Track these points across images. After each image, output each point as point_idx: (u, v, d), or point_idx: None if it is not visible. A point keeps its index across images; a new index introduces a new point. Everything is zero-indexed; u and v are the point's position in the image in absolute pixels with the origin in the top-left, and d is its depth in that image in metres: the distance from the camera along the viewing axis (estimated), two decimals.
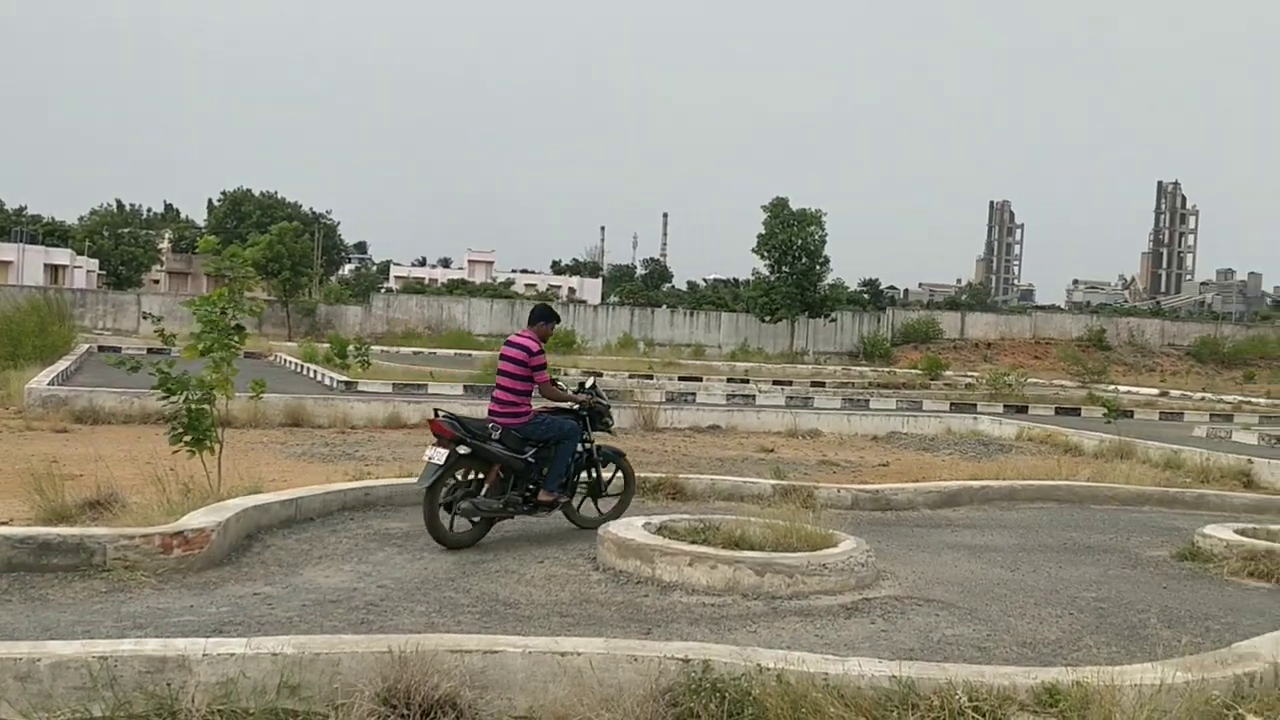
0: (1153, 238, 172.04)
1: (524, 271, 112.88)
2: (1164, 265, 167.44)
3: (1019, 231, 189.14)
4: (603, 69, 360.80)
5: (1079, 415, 26.46)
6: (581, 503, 9.57)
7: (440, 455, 8.33)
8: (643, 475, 11.30)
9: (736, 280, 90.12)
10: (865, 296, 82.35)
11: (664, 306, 69.79)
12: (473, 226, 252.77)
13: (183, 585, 6.82)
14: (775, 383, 33.66)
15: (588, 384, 9.85)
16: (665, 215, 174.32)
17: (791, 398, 26.82)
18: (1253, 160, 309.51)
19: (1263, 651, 5.64)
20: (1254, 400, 36.41)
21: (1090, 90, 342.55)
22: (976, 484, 12.69)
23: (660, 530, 8.00)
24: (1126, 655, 6.03)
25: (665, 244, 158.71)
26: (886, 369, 49.86)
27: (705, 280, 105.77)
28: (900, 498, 11.62)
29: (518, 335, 9.23)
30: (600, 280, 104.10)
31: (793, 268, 57.80)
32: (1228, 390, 42.98)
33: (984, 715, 4.61)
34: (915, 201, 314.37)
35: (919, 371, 44.41)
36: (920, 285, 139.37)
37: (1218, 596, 8.13)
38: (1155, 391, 39.22)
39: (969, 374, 45.52)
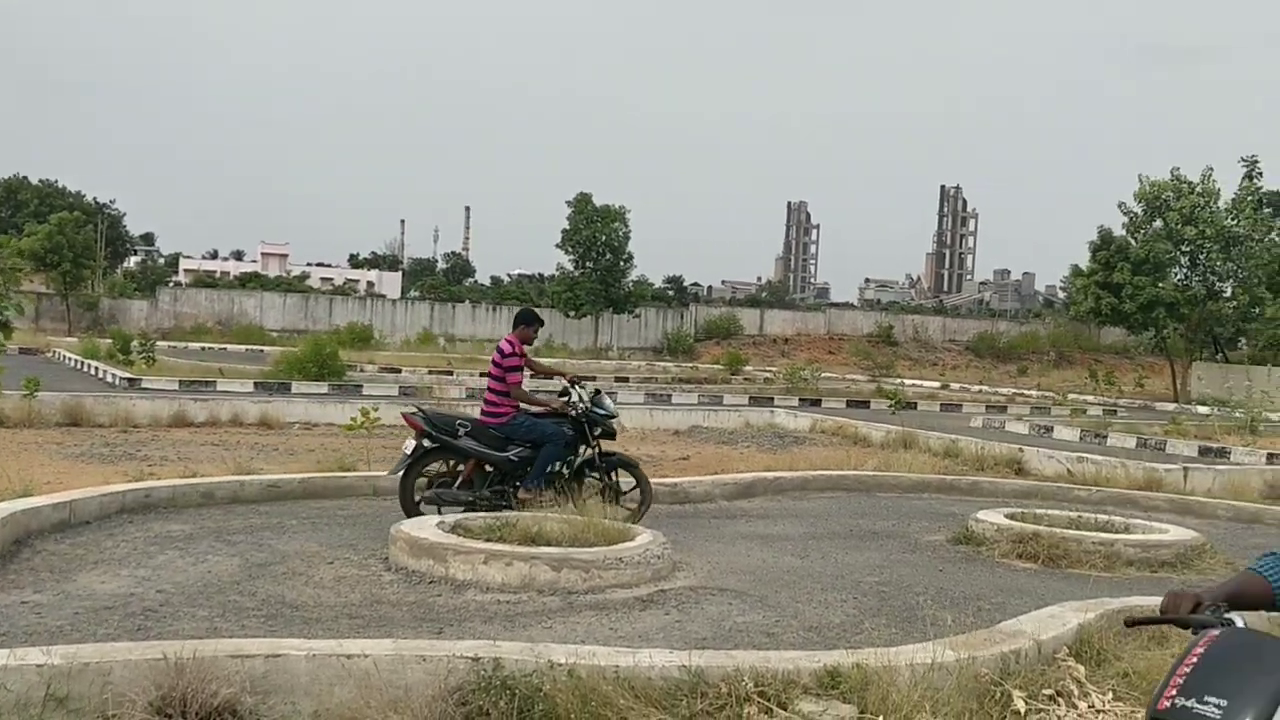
0: (936, 239, 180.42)
1: (320, 265, 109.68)
2: (947, 265, 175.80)
3: (815, 232, 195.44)
4: (401, 56, 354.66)
5: (868, 408, 27.51)
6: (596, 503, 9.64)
7: (410, 447, 9.14)
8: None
9: (541, 275, 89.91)
10: (669, 293, 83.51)
11: (466, 301, 69.06)
12: (267, 218, 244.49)
13: None
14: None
15: (587, 392, 9.99)
16: (468, 209, 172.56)
17: (595, 393, 26.94)
18: (1027, 168, 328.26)
19: (1027, 629, 5.98)
20: (1026, 392, 38.62)
21: (880, 97, 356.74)
22: (771, 475, 13.06)
23: (455, 528, 7.92)
24: (904, 636, 6.29)
25: (468, 238, 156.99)
26: (689, 364, 50.69)
27: (509, 275, 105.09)
28: (698, 490, 11.85)
29: (503, 340, 9.72)
30: (400, 274, 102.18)
31: (597, 264, 58.07)
32: (1002, 383, 45.44)
33: (769, 700, 4.74)
34: (718, 201, 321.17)
35: (720, 366, 45.31)
36: (723, 283, 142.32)
37: (989, 578, 8.60)
38: (937, 384, 41.11)
39: (768, 369, 46.73)
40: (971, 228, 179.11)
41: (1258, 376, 34.09)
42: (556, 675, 4.64)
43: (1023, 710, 5.05)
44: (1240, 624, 2.51)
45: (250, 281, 76.46)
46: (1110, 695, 5.36)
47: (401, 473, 9.18)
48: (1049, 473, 15.69)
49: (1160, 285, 38.22)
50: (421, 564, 7.41)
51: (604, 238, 57.79)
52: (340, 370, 26.94)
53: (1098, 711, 5.18)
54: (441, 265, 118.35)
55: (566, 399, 9.82)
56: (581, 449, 9.74)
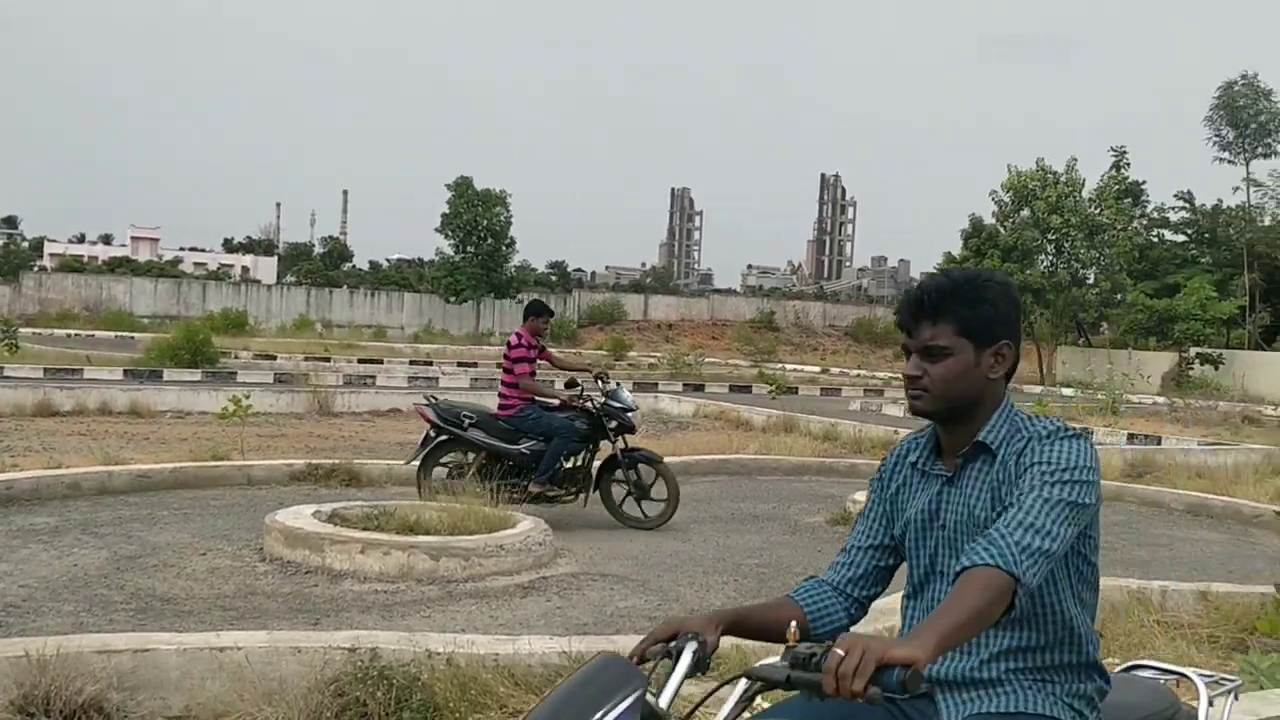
0: (817, 226, 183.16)
1: (193, 249, 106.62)
2: (827, 252, 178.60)
3: (699, 218, 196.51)
4: (273, 35, 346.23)
5: (750, 392, 27.82)
6: (623, 501, 9.63)
7: (427, 440, 9.43)
8: (315, 462, 10.98)
9: (421, 260, 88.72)
10: (553, 278, 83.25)
11: (344, 287, 67.89)
12: (137, 201, 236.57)
13: None
14: (460, 364, 33.50)
15: (609, 386, 9.86)
16: (345, 192, 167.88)
17: (476, 379, 26.82)
18: (903, 157, 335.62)
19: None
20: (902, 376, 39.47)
21: (760, 86, 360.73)
22: None
23: (331, 518, 7.81)
24: None
25: (345, 222, 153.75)
26: (573, 350, 50.65)
27: (389, 260, 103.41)
28: None
29: (513, 333, 9.76)
30: (276, 259, 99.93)
31: (478, 248, 57.62)
32: (880, 367, 46.42)
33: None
34: (602, 186, 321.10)
35: (604, 352, 45.35)
36: (607, 268, 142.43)
37: None
38: (818, 369, 41.82)
39: (652, 354, 46.98)
40: (851, 215, 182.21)
41: (1119, 360, 35.40)
42: (435, 664, 4.59)
43: None
44: (686, 660, 2.10)
45: (120, 266, 73.98)
46: None
47: (417, 462, 9.46)
48: None
49: (1028, 272, 39.44)
50: (297, 554, 7.29)
51: (485, 222, 57.37)
52: (213, 357, 26.23)
53: None
54: (319, 250, 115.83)
55: (578, 391, 9.74)
56: (602, 444, 9.66)
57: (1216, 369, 38.78)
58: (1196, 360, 39.46)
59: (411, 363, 33.31)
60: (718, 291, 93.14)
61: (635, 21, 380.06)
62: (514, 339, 9.66)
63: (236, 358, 30.53)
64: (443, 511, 7.94)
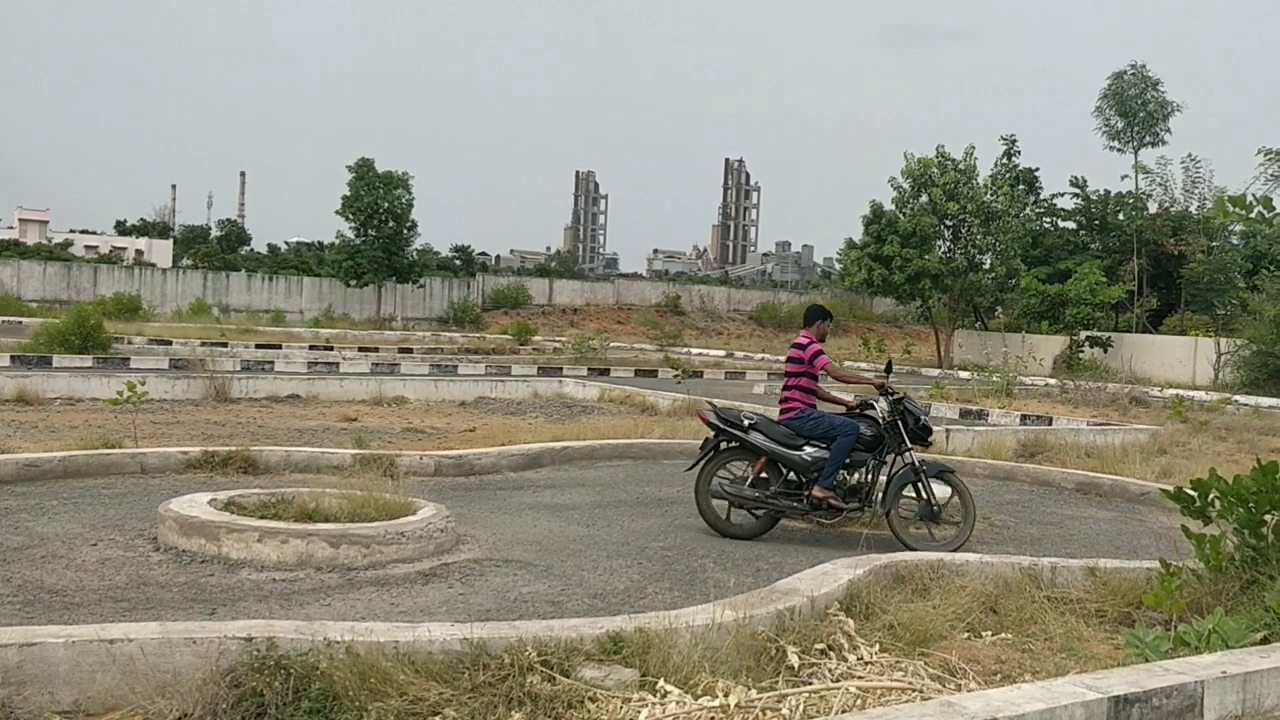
0: (721, 211, 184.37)
1: (84, 232, 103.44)
2: (731, 237, 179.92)
3: (604, 202, 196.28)
4: (167, 11, 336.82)
5: (656, 376, 27.92)
6: (911, 522, 8.94)
7: (707, 444, 9.20)
8: (212, 449, 10.75)
9: (321, 244, 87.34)
10: (456, 262, 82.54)
11: (242, 270, 66.43)
12: (25, 182, 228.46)
13: None
14: (361, 349, 33.07)
15: (892, 396, 9.19)
16: (243, 174, 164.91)
17: (377, 364, 26.47)
18: (806, 142, 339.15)
19: (801, 587, 6.21)
20: None
21: (665, 68, 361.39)
22: (559, 445, 13.09)
23: (228, 505, 7.65)
24: (686, 599, 6.45)
25: (243, 204, 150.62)
26: (477, 334, 50.31)
27: (288, 243, 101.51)
28: (484, 462, 11.77)
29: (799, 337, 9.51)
30: (171, 242, 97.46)
31: (379, 231, 56.79)
32: (784, 351, 46.74)
33: (552, 668, 4.77)
34: (506, 169, 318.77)
35: (509, 337, 45.12)
36: (512, 252, 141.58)
37: (768, 538, 8.89)
38: (722, 353, 42.13)
39: (557, 339, 46.86)
40: (755, 200, 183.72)
41: (1013, 343, 36.29)
42: (334, 653, 4.54)
43: (796, 665, 5.25)
44: None
45: (6, 249, 71.49)
46: (877, 647, 5.63)
47: (697, 470, 9.18)
48: None
49: (926, 257, 40.19)
50: (193, 543, 7.13)
51: (386, 204, 56.55)
52: (106, 342, 25.51)
53: (865, 663, 5.43)
54: (216, 233, 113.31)
55: (888, 377, 9.48)
56: (891, 458, 9.00)
57: (1105, 352, 39.96)
58: (1086, 343, 40.61)
59: (311, 347, 32.77)
60: (623, 276, 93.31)
61: (539, 1, 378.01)
62: (803, 340, 9.34)
63: (130, 343, 29.78)
64: (343, 498, 7.83)
